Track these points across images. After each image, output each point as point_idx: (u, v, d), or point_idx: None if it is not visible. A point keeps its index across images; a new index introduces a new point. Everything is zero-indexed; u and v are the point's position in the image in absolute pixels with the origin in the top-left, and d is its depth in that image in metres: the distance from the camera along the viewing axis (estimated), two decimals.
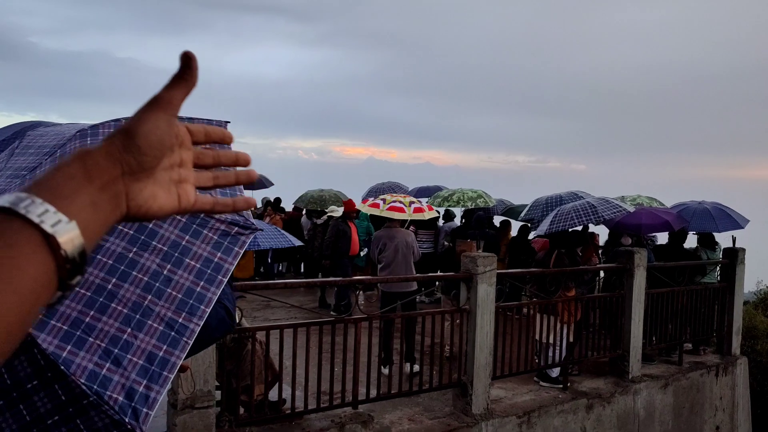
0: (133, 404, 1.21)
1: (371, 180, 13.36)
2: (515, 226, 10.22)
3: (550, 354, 6.05)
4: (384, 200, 7.40)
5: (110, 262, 1.35)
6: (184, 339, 1.32)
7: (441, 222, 10.67)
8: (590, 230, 8.88)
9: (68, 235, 0.52)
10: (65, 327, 1.24)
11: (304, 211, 11.40)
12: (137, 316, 1.30)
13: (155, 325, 1.30)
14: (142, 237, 1.41)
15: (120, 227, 1.42)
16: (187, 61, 0.62)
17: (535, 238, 9.27)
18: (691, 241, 8.29)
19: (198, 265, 1.42)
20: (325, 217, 9.86)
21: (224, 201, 0.70)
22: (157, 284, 1.35)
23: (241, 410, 4.24)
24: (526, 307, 6.24)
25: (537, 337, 6.01)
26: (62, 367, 1.19)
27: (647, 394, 6.49)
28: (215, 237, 1.47)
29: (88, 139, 1.49)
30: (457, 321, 5.29)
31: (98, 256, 1.36)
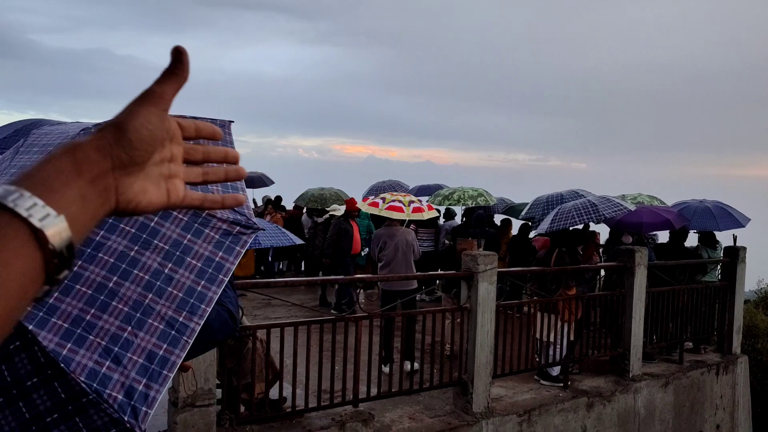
0: (132, 403, 1.21)
1: (371, 178, 13.37)
2: (516, 225, 10.22)
3: (551, 352, 6.05)
4: (383, 199, 7.38)
5: (112, 260, 1.35)
6: (185, 338, 1.32)
7: (442, 220, 10.67)
8: (591, 229, 8.88)
9: (56, 229, 0.51)
10: (66, 325, 1.24)
11: (304, 210, 11.40)
12: (138, 315, 1.30)
13: (156, 323, 1.30)
14: (144, 235, 1.41)
15: (122, 225, 1.42)
16: (178, 56, 0.62)
17: (535, 236, 9.27)
18: (692, 240, 8.29)
19: (199, 265, 1.42)
20: (327, 215, 9.86)
21: (213, 198, 0.69)
22: (158, 283, 1.35)
23: (242, 408, 4.24)
24: (526, 305, 6.24)
25: (537, 335, 6.01)
26: (62, 365, 1.19)
27: (648, 393, 6.49)
28: (217, 236, 1.47)
29: None
30: (458, 320, 5.28)
31: (100, 254, 1.36)
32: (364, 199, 9.22)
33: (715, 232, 8.37)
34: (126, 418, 1.19)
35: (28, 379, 1.21)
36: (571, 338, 6.22)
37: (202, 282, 1.39)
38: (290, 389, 4.51)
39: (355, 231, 8.55)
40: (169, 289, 1.35)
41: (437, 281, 9.77)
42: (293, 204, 11.96)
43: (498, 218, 11.27)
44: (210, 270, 1.42)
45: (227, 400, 4.19)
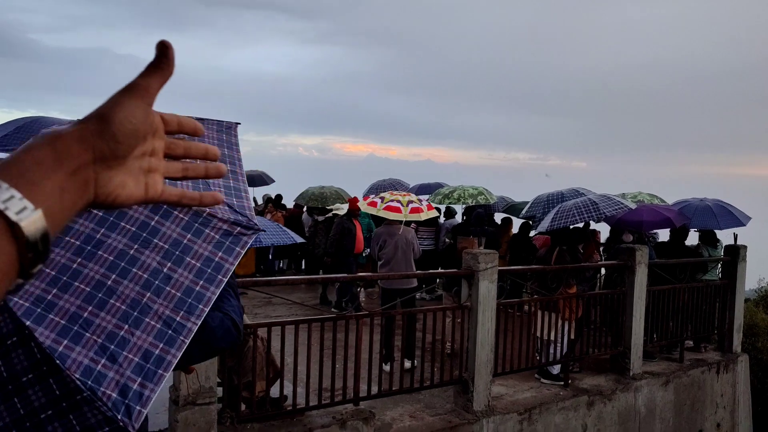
0: (126, 401, 1.21)
1: (371, 177, 13.34)
2: (516, 224, 10.22)
3: (551, 351, 6.05)
4: (382, 199, 7.34)
5: (111, 258, 1.35)
6: (181, 338, 1.31)
7: (442, 219, 10.67)
8: (591, 227, 8.87)
9: (33, 223, 0.50)
10: (63, 321, 1.24)
11: (305, 209, 11.40)
12: (135, 313, 1.30)
13: (153, 322, 1.30)
14: (144, 234, 1.41)
15: (122, 224, 1.41)
16: (164, 50, 0.61)
17: (536, 235, 9.27)
18: (692, 239, 8.28)
19: (198, 264, 1.41)
20: (330, 214, 9.86)
21: (191, 195, 0.68)
22: (157, 282, 1.35)
23: (243, 407, 4.24)
24: (527, 304, 6.24)
25: (538, 334, 6.00)
26: (58, 362, 1.19)
27: (648, 391, 6.49)
28: (217, 236, 1.47)
29: None
30: (458, 319, 5.28)
31: (100, 252, 1.36)
32: (365, 197, 9.21)
33: (716, 231, 8.37)
34: (119, 417, 1.19)
35: (24, 375, 1.21)
36: (572, 337, 6.22)
37: (201, 282, 1.39)
38: (291, 387, 4.51)
39: (358, 230, 8.53)
40: (168, 288, 1.35)
41: (438, 280, 9.77)
42: (293, 203, 11.95)
43: (498, 217, 11.27)
44: (209, 270, 1.42)
45: (228, 398, 4.19)
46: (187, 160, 0.69)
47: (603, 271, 7.79)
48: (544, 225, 7.19)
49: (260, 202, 13.35)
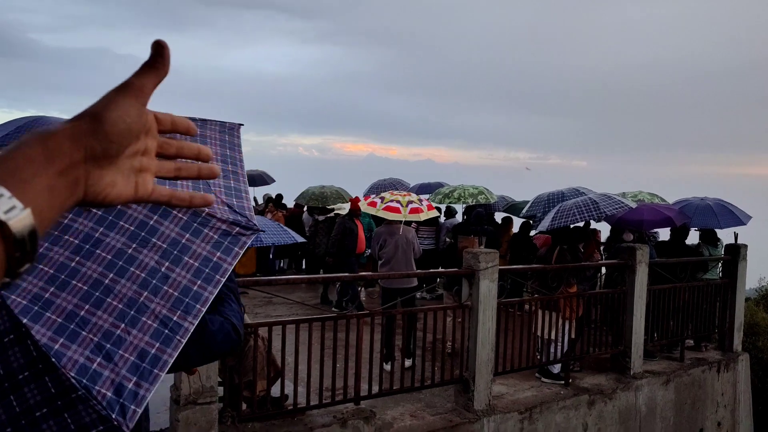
0: (121, 400, 1.20)
1: (372, 177, 13.34)
2: (517, 223, 10.22)
3: (552, 350, 6.06)
4: (382, 199, 7.32)
5: (109, 257, 1.35)
6: (178, 337, 1.31)
7: (442, 218, 10.67)
8: (592, 227, 8.87)
9: (21, 222, 0.50)
10: (60, 319, 1.24)
11: (305, 208, 11.40)
12: (132, 312, 1.29)
13: (149, 322, 1.30)
14: (143, 233, 1.41)
15: (121, 223, 1.42)
16: (159, 50, 0.61)
17: (536, 234, 9.27)
18: (693, 238, 8.28)
19: (197, 264, 1.41)
20: (331, 214, 9.86)
21: (181, 195, 0.68)
22: (154, 281, 1.35)
23: (244, 406, 4.24)
24: (527, 303, 6.24)
25: (539, 333, 6.01)
26: (53, 360, 1.19)
27: (649, 390, 6.49)
28: (215, 236, 1.47)
29: None
30: (459, 319, 5.28)
31: (98, 251, 1.36)
32: (366, 197, 9.21)
33: (716, 230, 8.37)
34: (114, 416, 1.19)
35: (20, 373, 1.21)
36: (572, 336, 6.22)
37: (199, 282, 1.39)
38: (292, 387, 4.51)
39: (360, 230, 8.52)
40: (165, 287, 1.35)
41: (438, 279, 9.77)
42: (294, 202, 11.96)
43: (499, 216, 11.27)
44: (207, 270, 1.41)
45: (229, 397, 4.20)
46: (180, 160, 0.69)
47: (603, 270, 7.79)
48: (545, 224, 7.19)
49: (261, 201, 13.36)
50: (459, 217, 10.75)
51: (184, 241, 1.43)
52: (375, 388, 4.78)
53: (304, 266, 12.11)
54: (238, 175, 1.69)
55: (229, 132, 1.81)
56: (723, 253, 8.09)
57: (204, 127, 1.77)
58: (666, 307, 6.98)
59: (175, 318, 1.32)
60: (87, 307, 1.27)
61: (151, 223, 1.42)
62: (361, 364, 4.65)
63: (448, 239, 9.80)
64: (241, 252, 1.49)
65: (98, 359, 1.22)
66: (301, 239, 6.62)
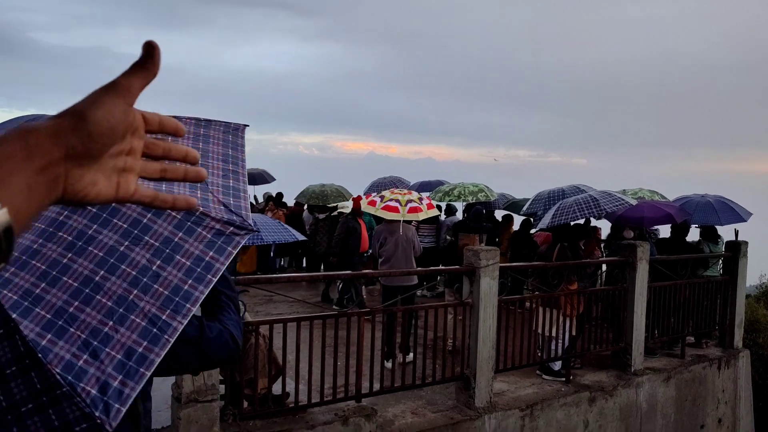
0: (105, 399, 1.20)
1: (372, 175, 13.33)
2: (517, 221, 10.22)
3: (553, 347, 6.06)
4: (382, 197, 7.29)
5: (101, 254, 1.35)
6: (166, 336, 1.30)
7: (443, 216, 10.67)
8: (592, 224, 8.87)
9: None
10: (49, 315, 1.24)
11: (305, 207, 11.40)
12: (121, 310, 1.29)
13: (138, 320, 1.29)
14: (136, 231, 1.40)
15: (115, 220, 1.42)
16: (150, 50, 0.60)
17: (537, 231, 9.27)
18: (693, 235, 8.28)
19: (188, 263, 1.40)
20: (335, 213, 9.85)
21: (164, 197, 0.67)
22: (145, 279, 1.34)
23: (245, 404, 4.25)
24: (528, 300, 6.24)
25: (539, 330, 6.01)
26: (39, 355, 1.19)
27: (650, 387, 6.50)
28: (209, 236, 1.46)
29: None
30: (460, 317, 5.29)
31: (90, 248, 1.36)
32: (367, 195, 9.20)
33: (717, 227, 8.37)
34: (97, 414, 1.18)
35: (8, 368, 1.20)
36: (573, 333, 6.22)
37: (190, 281, 1.38)
38: (293, 385, 4.52)
39: (363, 229, 8.51)
40: (155, 286, 1.34)
41: (438, 277, 9.78)
42: (294, 201, 11.96)
43: (500, 214, 11.27)
44: (199, 269, 1.40)
45: (230, 395, 4.20)
46: (167, 161, 0.68)
47: (604, 267, 7.80)
48: (545, 222, 7.19)
49: (261, 200, 13.36)
50: (459, 215, 10.75)
51: (176, 239, 1.42)
52: (376, 386, 4.79)
53: (304, 264, 12.12)
54: (239, 174, 1.69)
55: (233, 132, 1.81)
56: (723, 250, 8.09)
57: (208, 127, 1.77)
58: (667, 304, 6.98)
59: (164, 317, 1.31)
60: (76, 303, 1.27)
61: (145, 221, 1.42)
62: (362, 361, 4.66)
63: (448, 237, 9.81)
64: (235, 252, 1.48)
65: (84, 356, 1.22)
66: (301, 237, 6.62)
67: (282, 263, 12.36)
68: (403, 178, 12.83)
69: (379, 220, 8.27)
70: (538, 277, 6.34)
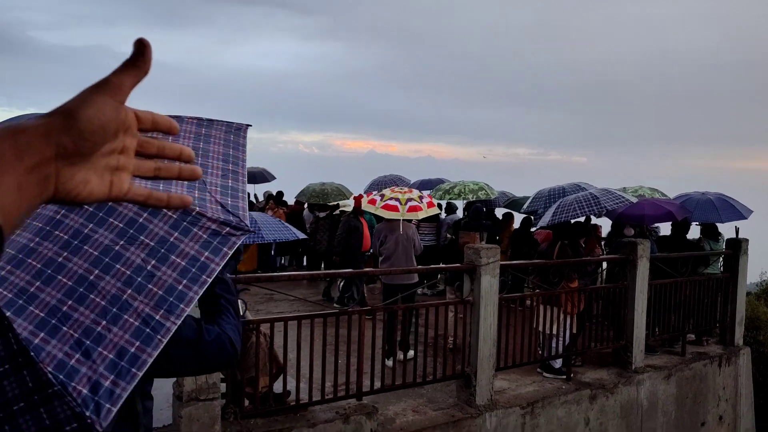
0: (96, 398, 1.19)
1: (372, 174, 13.35)
2: (518, 219, 10.22)
3: (554, 345, 6.06)
4: (382, 196, 7.26)
5: (96, 253, 1.35)
6: (159, 336, 1.29)
7: (443, 215, 10.67)
8: (593, 222, 8.87)
9: None
10: (42, 314, 1.24)
11: (305, 205, 11.40)
12: (114, 310, 1.29)
13: (131, 320, 1.29)
14: (131, 231, 1.40)
15: (111, 219, 1.41)
16: (141, 48, 0.60)
17: (537, 229, 9.27)
18: (694, 232, 8.28)
19: (183, 263, 1.40)
20: (337, 211, 9.85)
21: (158, 195, 0.67)
22: (139, 279, 1.34)
23: (246, 402, 4.25)
24: (529, 298, 6.24)
25: (540, 328, 6.01)
26: (32, 354, 1.19)
27: (650, 385, 6.50)
28: (205, 236, 1.45)
29: None
30: (460, 315, 5.29)
31: (86, 247, 1.36)
32: (368, 194, 9.19)
33: (718, 224, 8.36)
34: (88, 414, 1.17)
35: (0, 366, 1.20)
36: (574, 331, 6.22)
37: (184, 281, 1.37)
38: (294, 383, 4.52)
39: (364, 228, 8.50)
40: (150, 286, 1.34)
41: (439, 275, 9.78)
42: (294, 199, 11.96)
43: (500, 212, 11.27)
44: (194, 270, 1.40)
45: (231, 394, 4.21)
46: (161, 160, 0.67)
47: (605, 265, 7.79)
48: (546, 220, 7.19)
49: (261, 198, 13.36)
50: (459, 213, 10.75)
51: (172, 239, 1.41)
52: (377, 384, 4.79)
53: (305, 263, 12.12)
54: (238, 174, 1.68)
55: (235, 132, 1.81)
56: (724, 247, 8.09)
57: (210, 126, 1.77)
58: (667, 301, 6.98)
59: (157, 317, 1.31)
60: (70, 302, 1.27)
61: (141, 220, 1.42)
62: (363, 360, 4.66)
63: (449, 235, 9.81)
64: (230, 252, 1.47)
65: (77, 355, 1.21)
66: (302, 235, 6.61)
67: (282, 262, 12.37)
68: (403, 177, 12.83)
69: (380, 218, 8.27)
70: (539, 275, 6.35)
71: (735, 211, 8.45)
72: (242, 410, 4.19)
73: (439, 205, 10.20)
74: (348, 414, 4.50)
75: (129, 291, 1.32)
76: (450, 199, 10.51)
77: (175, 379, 3.93)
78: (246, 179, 1.72)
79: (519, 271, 6.86)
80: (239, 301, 4.37)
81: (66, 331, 1.23)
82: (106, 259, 1.34)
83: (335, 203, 10.63)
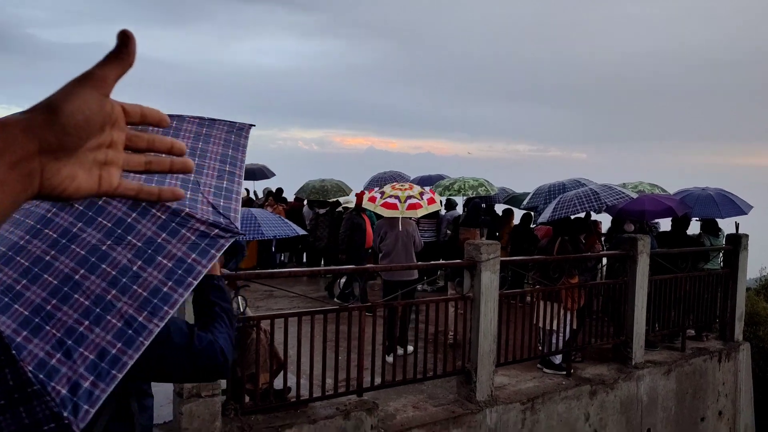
0: (75, 399, 1.18)
1: (372, 170, 13.32)
2: (518, 215, 10.22)
3: (554, 341, 6.07)
4: (382, 194, 7.20)
5: (83, 252, 1.34)
6: (141, 339, 1.28)
7: (443, 211, 10.67)
8: (593, 218, 8.88)
9: None
10: (26, 312, 1.23)
11: (305, 202, 11.39)
12: (97, 310, 1.28)
13: (114, 321, 1.28)
14: (119, 231, 1.39)
15: (100, 219, 1.40)
16: (125, 40, 0.59)
17: (537, 225, 9.27)
18: (694, 228, 8.28)
19: (170, 265, 1.38)
20: (339, 208, 9.84)
21: (149, 189, 0.65)
22: (124, 280, 1.33)
23: (247, 399, 4.25)
24: (529, 294, 6.25)
25: (540, 324, 6.02)
26: (14, 352, 1.18)
27: (650, 380, 6.51)
28: (193, 237, 1.44)
29: None
30: (461, 310, 5.29)
31: (73, 246, 1.35)
32: (370, 190, 9.17)
33: (718, 220, 8.36)
34: (65, 414, 1.16)
35: None
36: (574, 326, 6.23)
37: (170, 283, 1.36)
38: (294, 379, 4.52)
39: (367, 224, 8.49)
40: (134, 287, 1.32)
41: (439, 272, 9.78)
42: (294, 196, 11.95)
43: (500, 208, 11.27)
44: (180, 272, 1.38)
45: (232, 390, 4.21)
46: (152, 153, 0.66)
47: (605, 260, 7.79)
48: (546, 216, 7.18)
49: (261, 195, 13.35)
50: (459, 209, 10.74)
51: (159, 240, 1.40)
52: (377, 380, 4.79)
53: (304, 260, 12.12)
54: (234, 175, 1.66)
55: (237, 132, 1.79)
56: (724, 243, 8.09)
57: (211, 126, 1.75)
58: (667, 297, 6.98)
59: (140, 319, 1.29)
60: (54, 301, 1.26)
61: (129, 220, 1.40)
62: (363, 356, 4.66)
63: (448, 231, 9.81)
64: (218, 254, 1.45)
65: (58, 355, 1.20)
66: (302, 232, 6.61)
67: (282, 258, 12.36)
68: (403, 173, 12.81)
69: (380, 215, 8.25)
70: (539, 271, 6.34)
71: (735, 206, 8.45)
72: (243, 407, 4.19)
73: (439, 202, 10.20)
74: (348, 410, 4.50)
75: (113, 291, 1.30)
76: (450, 195, 10.50)
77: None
78: (242, 180, 1.69)
79: (519, 267, 6.86)
80: (239, 297, 4.37)
81: (49, 330, 1.23)
82: (93, 259, 1.33)
83: (335, 200, 10.62)
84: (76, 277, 1.30)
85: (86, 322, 1.25)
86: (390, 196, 6.97)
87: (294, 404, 4.42)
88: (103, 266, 1.33)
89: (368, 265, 8.21)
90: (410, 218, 7.26)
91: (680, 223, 7.94)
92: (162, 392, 4.13)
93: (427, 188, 8.78)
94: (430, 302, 5.30)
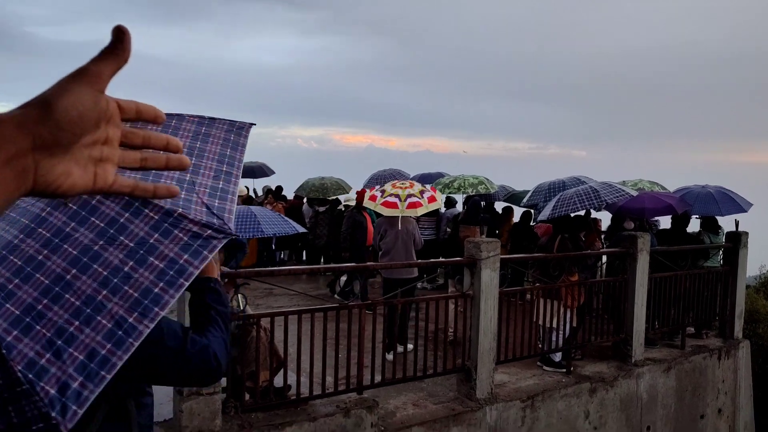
0: (63, 399, 1.18)
1: (371, 168, 13.32)
2: (518, 212, 10.22)
3: (554, 338, 6.07)
4: (382, 192, 7.18)
5: (74, 252, 1.34)
6: (130, 340, 1.28)
7: (443, 209, 10.67)
8: (593, 215, 8.88)
9: None
10: (17, 311, 1.24)
11: (305, 200, 11.39)
12: (88, 310, 1.27)
13: (104, 321, 1.27)
14: (111, 231, 1.39)
15: (92, 219, 1.40)
16: (120, 35, 0.58)
17: (538, 223, 9.27)
18: (694, 225, 8.28)
19: (161, 266, 1.37)
20: (340, 206, 9.84)
21: (145, 186, 0.65)
22: (115, 280, 1.32)
23: (247, 396, 4.26)
24: (529, 292, 6.25)
25: (540, 321, 6.02)
26: (3, 351, 1.18)
27: (650, 378, 6.52)
28: (185, 238, 1.43)
29: None
30: (461, 308, 5.29)
31: (65, 246, 1.35)
32: (371, 188, 9.16)
33: (717, 218, 8.36)
34: (53, 414, 1.16)
35: None
36: (574, 324, 6.23)
37: (161, 284, 1.35)
38: (294, 377, 4.52)
39: (368, 222, 8.48)
40: (125, 287, 1.32)
41: (438, 269, 9.78)
42: (294, 194, 11.95)
43: (500, 206, 11.27)
44: (171, 272, 1.37)
45: (232, 388, 4.21)
46: (148, 150, 0.66)
47: (605, 258, 7.79)
48: (546, 213, 7.18)
49: (260, 193, 13.35)
50: (459, 207, 10.74)
51: (152, 240, 1.39)
52: (377, 378, 4.79)
53: (304, 257, 12.13)
54: (231, 176, 1.64)
55: (236, 131, 1.77)
56: (724, 240, 8.09)
57: (211, 125, 1.74)
58: (667, 294, 6.99)
59: (130, 320, 1.29)
60: (45, 301, 1.26)
61: (122, 220, 1.40)
62: (363, 354, 4.67)
63: (448, 229, 9.81)
64: (211, 256, 1.45)
65: (47, 355, 1.20)
66: (302, 229, 6.60)
67: (282, 256, 12.37)
68: (403, 171, 12.81)
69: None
70: (539, 269, 6.34)
71: (735, 204, 8.44)
72: (243, 404, 4.19)
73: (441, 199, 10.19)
74: (348, 408, 4.50)
75: (104, 292, 1.30)
76: (450, 193, 10.50)
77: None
78: (239, 180, 1.68)
79: (519, 264, 6.86)
80: (240, 295, 4.37)
81: (39, 330, 1.23)
82: (84, 259, 1.33)
83: (335, 198, 10.61)
84: (68, 276, 1.30)
85: (76, 323, 1.25)
86: (390, 195, 6.96)
87: (294, 402, 4.42)
88: (95, 266, 1.33)
89: (368, 263, 8.21)
90: (410, 216, 7.24)
91: (680, 221, 7.94)
92: (162, 390, 4.13)
93: (428, 186, 8.74)
94: (430, 300, 5.29)
